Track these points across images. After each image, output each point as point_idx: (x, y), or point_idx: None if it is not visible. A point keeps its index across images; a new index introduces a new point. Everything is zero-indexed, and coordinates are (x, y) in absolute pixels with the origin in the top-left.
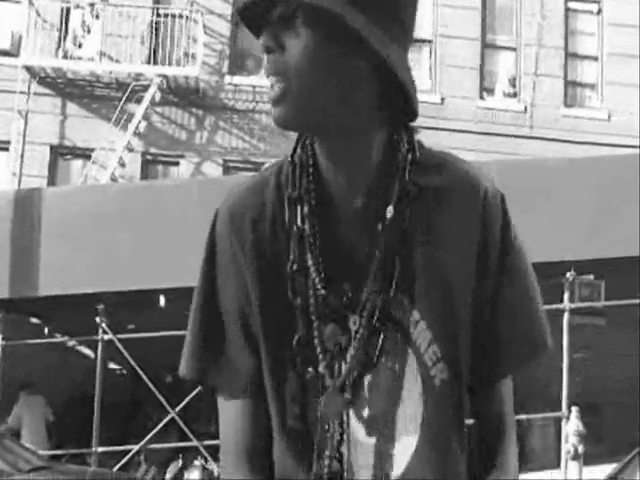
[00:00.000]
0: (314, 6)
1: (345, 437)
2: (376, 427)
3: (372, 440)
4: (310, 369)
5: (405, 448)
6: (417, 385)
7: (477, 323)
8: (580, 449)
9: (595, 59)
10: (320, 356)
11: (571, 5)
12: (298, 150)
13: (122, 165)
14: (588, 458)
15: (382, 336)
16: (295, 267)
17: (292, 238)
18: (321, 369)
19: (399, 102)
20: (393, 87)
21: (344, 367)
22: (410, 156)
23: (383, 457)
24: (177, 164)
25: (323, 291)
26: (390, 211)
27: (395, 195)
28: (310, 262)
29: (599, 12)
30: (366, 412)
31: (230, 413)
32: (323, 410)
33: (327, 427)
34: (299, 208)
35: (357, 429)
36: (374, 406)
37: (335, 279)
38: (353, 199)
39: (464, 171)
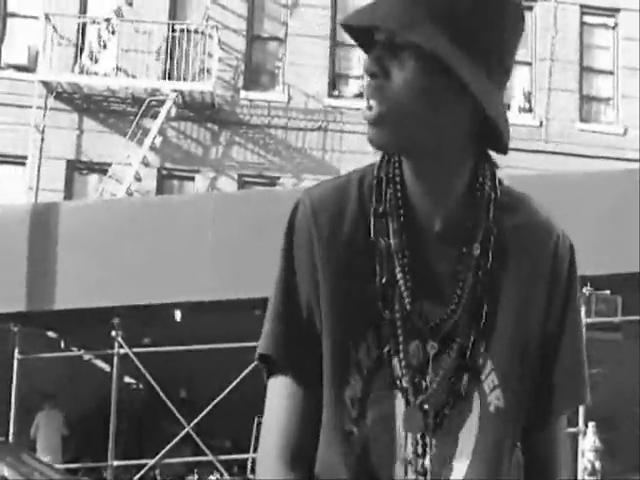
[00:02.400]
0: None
1: (427, 453)
2: (442, 448)
3: (438, 460)
4: (381, 378)
5: (460, 471)
6: (476, 411)
7: (540, 361)
8: (597, 465)
9: (610, 73)
10: (404, 370)
11: (586, 19)
12: (384, 165)
13: (138, 180)
14: (605, 474)
15: (469, 373)
16: (384, 280)
17: (380, 251)
18: (404, 383)
19: (491, 139)
20: (487, 124)
21: (427, 386)
22: (493, 195)
23: (444, 478)
24: (193, 179)
25: (410, 307)
26: (477, 248)
27: (481, 233)
28: (399, 276)
29: (615, 26)
30: (437, 433)
31: (283, 403)
32: (405, 422)
33: (411, 440)
34: (387, 223)
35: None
36: (443, 428)
37: (418, 297)
38: (433, 223)
39: (539, 215)
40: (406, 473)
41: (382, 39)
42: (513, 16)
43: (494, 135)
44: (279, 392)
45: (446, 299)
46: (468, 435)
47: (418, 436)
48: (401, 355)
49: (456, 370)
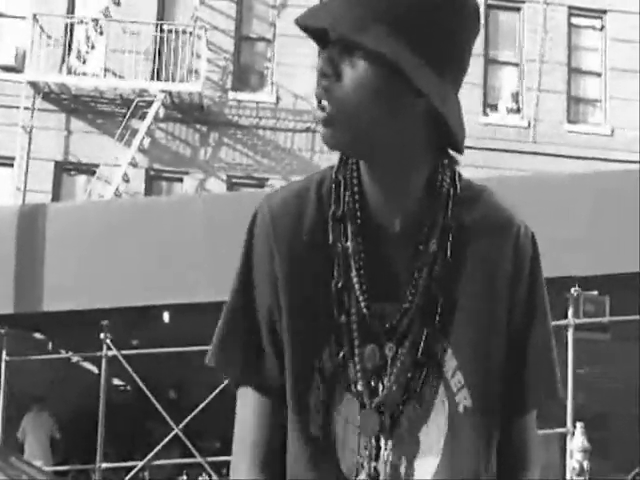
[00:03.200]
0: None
1: (380, 455)
2: (401, 448)
3: (396, 460)
4: (341, 383)
5: (426, 470)
6: (444, 410)
7: (507, 356)
8: (585, 465)
9: (598, 75)
10: (359, 374)
11: (574, 21)
12: (341, 167)
13: (126, 181)
14: (593, 474)
15: (425, 369)
16: (340, 284)
17: (337, 256)
18: (360, 387)
19: (446, 139)
20: (442, 125)
21: (384, 388)
22: (452, 192)
23: (406, 477)
24: (181, 180)
25: (366, 310)
26: (433, 245)
27: (438, 230)
28: (355, 280)
29: (602, 28)
30: (395, 433)
31: (249, 411)
32: (361, 426)
33: (365, 443)
34: (344, 226)
35: (386, 447)
36: (402, 427)
37: (376, 299)
38: (392, 223)
39: (498, 207)
40: (357, 476)
41: (334, 39)
42: (468, 14)
43: (450, 135)
44: (245, 402)
45: (403, 298)
46: (436, 433)
47: (372, 439)
48: (356, 359)
49: (411, 368)
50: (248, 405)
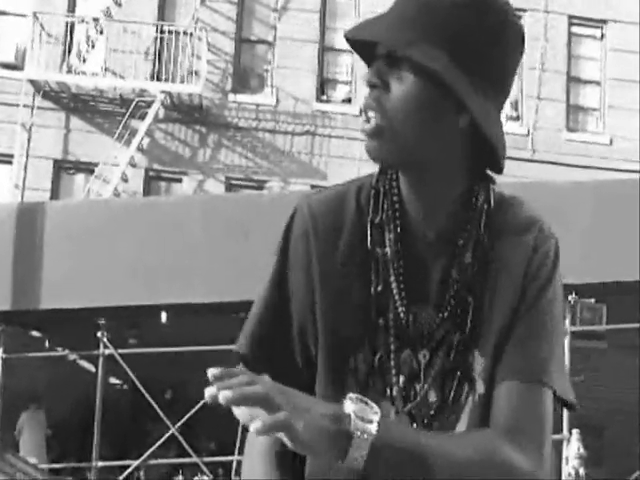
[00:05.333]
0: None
1: None
2: None
3: None
4: (375, 386)
5: None
6: (469, 410)
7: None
8: (581, 472)
9: (598, 84)
10: (394, 378)
11: (574, 30)
12: (381, 177)
13: (125, 180)
14: None
15: (458, 376)
16: (380, 289)
17: (375, 261)
18: (395, 391)
19: (487, 156)
20: (484, 142)
21: (415, 393)
22: (486, 206)
23: None
24: (180, 181)
25: (403, 315)
26: (469, 257)
27: (472, 243)
28: (394, 285)
29: (602, 37)
30: None
31: None
32: None
33: None
34: (383, 233)
35: None
36: (431, 429)
37: (413, 304)
38: (427, 233)
39: (524, 213)
40: None
41: (383, 52)
42: (514, 38)
43: (490, 153)
44: None
45: (438, 307)
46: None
47: None
48: (392, 363)
49: (444, 375)
50: None
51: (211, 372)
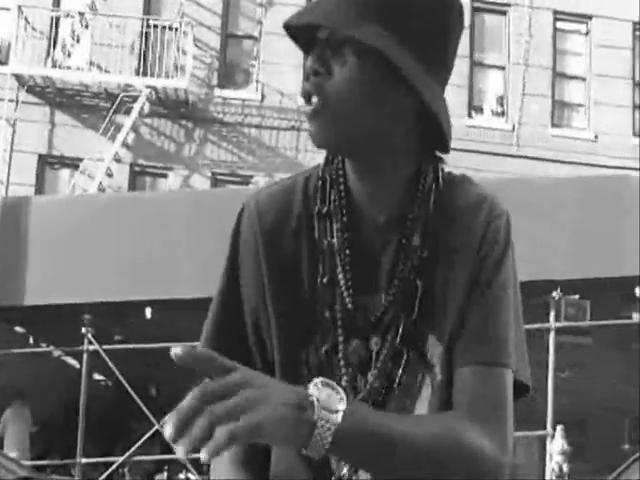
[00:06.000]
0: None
1: None
2: None
3: None
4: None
5: None
6: (427, 394)
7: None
8: (565, 468)
9: (583, 79)
10: (342, 369)
11: (560, 25)
12: (328, 165)
13: (110, 175)
14: (573, 476)
15: (405, 357)
16: (326, 280)
17: (322, 252)
18: (344, 382)
19: (433, 136)
20: (429, 122)
21: (366, 382)
22: (434, 186)
23: None
24: (165, 176)
25: (350, 305)
26: (417, 239)
27: (421, 223)
28: (340, 276)
29: (587, 33)
30: None
31: None
32: None
33: None
34: (330, 223)
35: None
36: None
37: (361, 293)
38: (377, 217)
39: (475, 191)
40: (340, 470)
41: (324, 37)
42: (455, 13)
43: (437, 132)
44: None
45: (387, 292)
46: None
47: None
48: (340, 354)
49: (392, 359)
50: None
51: (174, 351)
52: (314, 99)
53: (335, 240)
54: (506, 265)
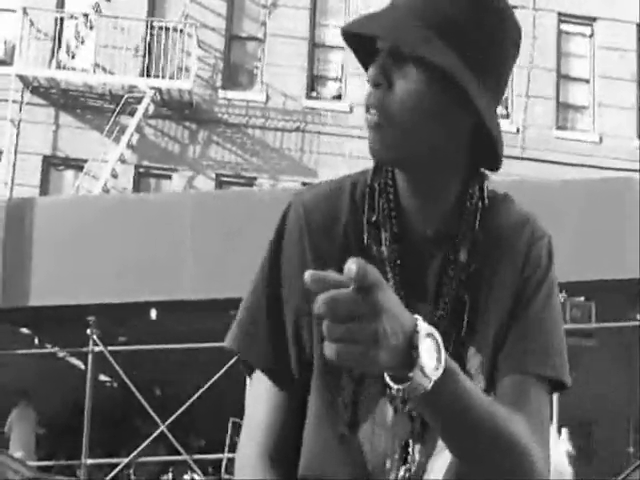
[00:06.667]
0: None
1: (409, 460)
2: (430, 452)
3: (424, 464)
4: (377, 385)
5: (444, 462)
6: None
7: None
8: (570, 470)
9: (587, 82)
10: (388, 377)
11: (564, 27)
12: (377, 174)
13: (114, 177)
14: (578, 479)
15: None
16: None
17: (371, 259)
18: (393, 391)
19: (482, 154)
20: (481, 141)
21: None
22: (480, 204)
23: (426, 472)
24: (170, 177)
25: None
26: (464, 254)
27: (468, 241)
28: (391, 283)
29: (591, 35)
30: (425, 437)
31: (263, 404)
32: (392, 430)
33: (395, 447)
34: (379, 232)
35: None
36: (432, 431)
37: (411, 304)
38: (424, 231)
39: (516, 211)
40: (388, 478)
41: (386, 48)
42: (513, 35)
43: (489, 151)
44: (258, 391)
45: (435, 305)
46: None
47: (402, 442)
48: None
49: None
50: (262, 397)
51: (307, 275)
52: (373, 111)
53: (384, 248)
54: (549, 282)
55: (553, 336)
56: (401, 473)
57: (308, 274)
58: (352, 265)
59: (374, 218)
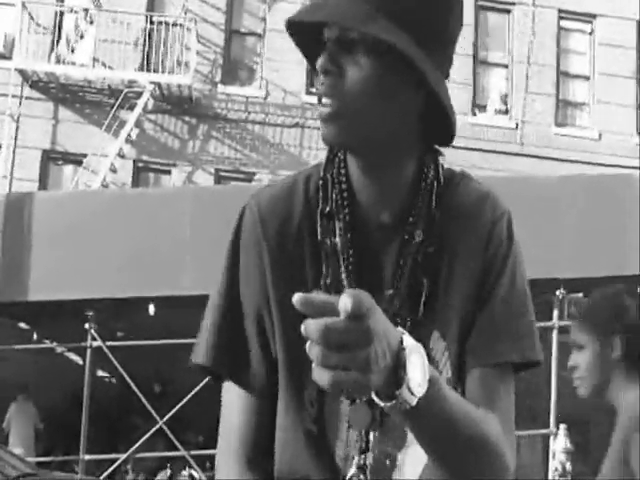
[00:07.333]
0: (380, 39)
1: (370, 448)
2: (392, 439)
3: (386, 451)
4: None
5: (416, 457)
6: None
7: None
8: (568, 467)
9: (586, 78)
10: None
11: (563, 24)
12: (329, 165)
13: (113, 171)
14: (575, 476)
15: None
16: (329, 281)
17: (326, 252)
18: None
19: (434, 132)
20: (432, 118)
21: None
22: (436, 182)
23: (397, 466)
24: (169, 172)
25: None
26: (419, 235)
27: (423, 220)
28: (343, 275)
29: (591, 32)
30: (386, 424)
31: (235, 409)
32: (351, 420)
33: (355, 436)
34: (332, 223)
35: (376, 439)
36: (390, 419)
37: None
38: (381, 215)
39: (475, 190)
40: (349, 469)
41: (334, 36)
42: (458, 12)
43: (441, 125)
44: (230, 396)
45: (391, 288)
46: None
47: (362, 432)
48: None
49: None
50: (234, 403)
51: (296, 298)
52: (326, 100)
53: (338, 239)
54: (513, 260)
55: (520, 317)
56: (359, 460)
57: (297, 297)
58: (347, 299)
59: (327, 209)
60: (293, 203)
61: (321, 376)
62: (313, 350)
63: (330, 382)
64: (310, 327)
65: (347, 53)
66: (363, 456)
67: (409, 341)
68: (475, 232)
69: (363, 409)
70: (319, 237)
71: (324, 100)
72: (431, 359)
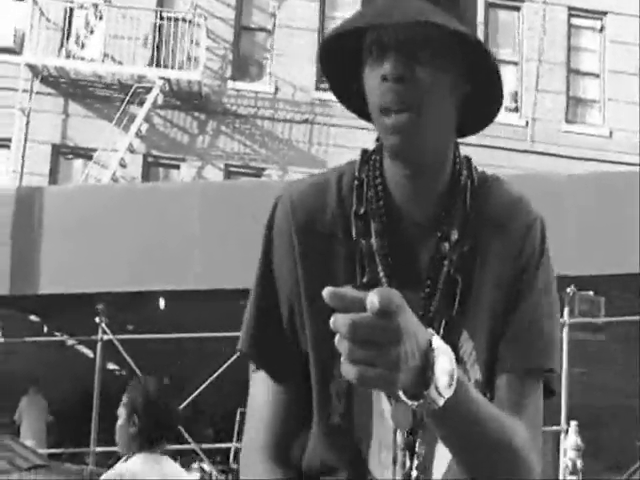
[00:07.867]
0: (451, 35)
1: (416, 447)
2: (429, 437)
3: (426, 450)
4: None
5: (444, 452)
6: None
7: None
8: (578, 464)
9: (597, 76)
10: None
11: (574, 21)
12: (363, 165)
13: (123, 166)
14: (586, 473)
15: None
16: (366, 280)
17: (360, 252)
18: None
19: (467, 124)
20: (467, 112)
21: None
22: (469, 183)
23: (426, 462)
24: (178, 167)
25: None
26: (455, 234)
27: (459, 220)
28: (381, 275)
29: (602, 29)
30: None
31: (265, 397)
32: (394, 420)
33: (402, 434)
34: (367, 224)
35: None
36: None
37: (402, 293)
38: (415, 215)
39: (510, 194)
40: (394, 468)
41: (393, 42)
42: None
43: (476, 119)
44: (260, 388)
45: (428, 288)
46: None
47: (406, 432)
48: None
49: None
50: (262, 393)
51: (327, 291)
52: (398, 107)
53: (374, 241)
54: (546, 266)
55: (550, 325)
56: (414, 462)
57: (327, 291)
58: (374, 297)
59: (362, 210)
60: (326, 198)
61: (348, 370)
62: (341, 344)
63: (356, 376)
64: (338, 321)
65: (414, 59)
66: (408, 456)
67: (438, 342)
68: (509, 236)
69: (405, 409)
70: (354, 237)
71: (394, 109)
72: (459, 359)
